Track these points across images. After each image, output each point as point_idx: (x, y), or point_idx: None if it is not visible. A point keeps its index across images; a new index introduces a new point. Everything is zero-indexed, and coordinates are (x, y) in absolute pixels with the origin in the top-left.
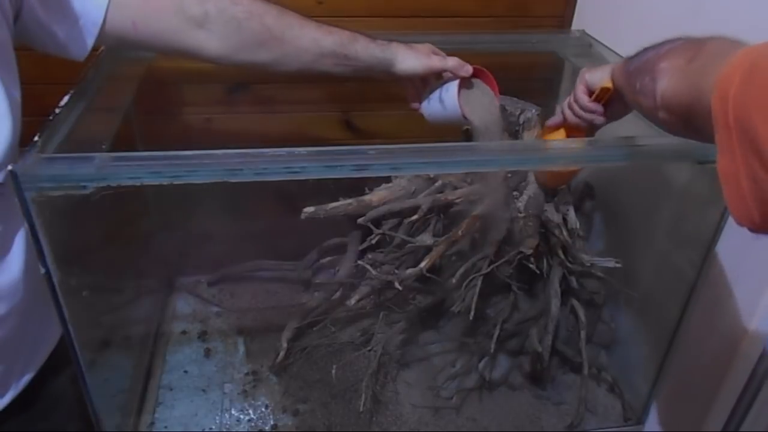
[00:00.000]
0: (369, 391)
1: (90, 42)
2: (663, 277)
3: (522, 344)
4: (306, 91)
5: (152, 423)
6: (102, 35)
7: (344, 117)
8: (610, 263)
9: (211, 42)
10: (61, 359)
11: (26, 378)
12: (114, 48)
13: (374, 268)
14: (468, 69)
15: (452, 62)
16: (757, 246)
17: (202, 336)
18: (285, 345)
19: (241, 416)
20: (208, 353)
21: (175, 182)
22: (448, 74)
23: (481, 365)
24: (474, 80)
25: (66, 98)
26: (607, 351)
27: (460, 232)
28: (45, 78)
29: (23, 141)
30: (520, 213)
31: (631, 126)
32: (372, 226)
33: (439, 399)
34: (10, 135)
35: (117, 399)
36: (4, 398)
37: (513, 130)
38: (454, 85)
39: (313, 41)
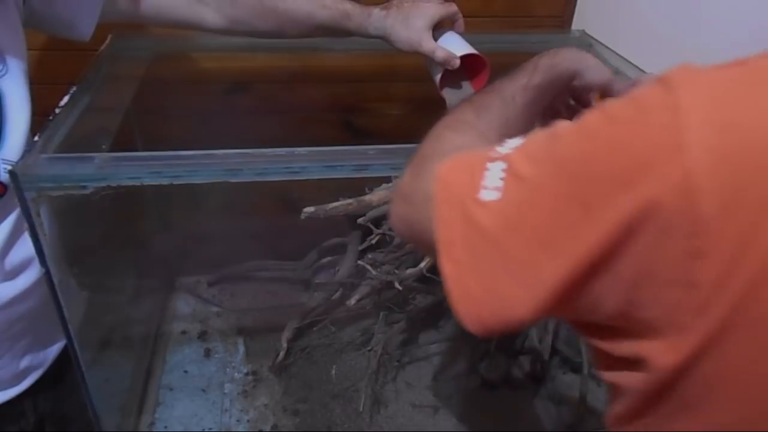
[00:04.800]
0: (369, 391)
1: (94, 19)
2: None
3: (522, 344)
4: (306, 91)
5: (152, 423)
6: (105, 11)
7: (344, 117)
8: None
9: (209, 14)
10: None
11: (55, 348)
12: (118, 23)
13: (374, 268)
14: (454, 64)
15: (440, 56)
16: None
17: (202, 336)
18: (285, 345)
19: (241, 416)
20: (208, 353)
21: (175, 182)
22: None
23: (481, 365)
24: (463, 82)
25: (66, 98)
26: None
27: None
28: (45, 78)
29: None
30: None
31: None
32: (372, 226)
33: (439, 399)
34: (29, 118)
35: (117, 399)
36: (37, 370)
37: None
38: (440, 72)
39: (307, 15)
